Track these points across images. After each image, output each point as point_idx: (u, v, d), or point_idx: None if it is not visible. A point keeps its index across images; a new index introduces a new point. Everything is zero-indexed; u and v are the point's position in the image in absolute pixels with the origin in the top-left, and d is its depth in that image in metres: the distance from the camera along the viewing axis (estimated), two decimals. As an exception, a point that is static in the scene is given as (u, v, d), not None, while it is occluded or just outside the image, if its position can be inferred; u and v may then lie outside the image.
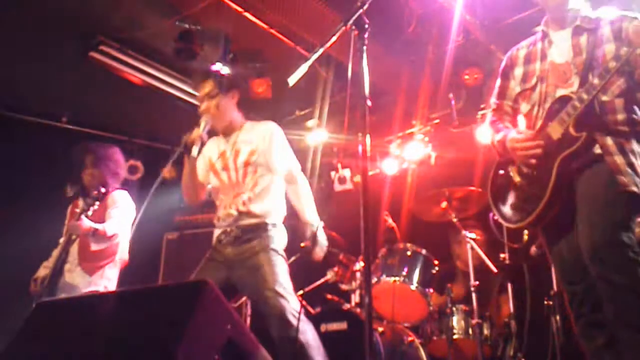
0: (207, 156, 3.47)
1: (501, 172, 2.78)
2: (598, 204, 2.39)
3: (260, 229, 3.19)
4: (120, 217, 4.00)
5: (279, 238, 3.24)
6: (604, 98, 2.46)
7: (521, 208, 2.62)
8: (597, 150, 2.44)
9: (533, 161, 2.56)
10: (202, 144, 3.29)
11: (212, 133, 3.48)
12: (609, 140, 2.42)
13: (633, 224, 2.38)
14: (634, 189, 2.35)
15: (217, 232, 3.31)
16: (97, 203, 3.83)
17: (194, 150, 3.21)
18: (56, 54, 5.04)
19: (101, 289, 3.91)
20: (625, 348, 2.29)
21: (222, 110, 3.35)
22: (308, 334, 2.98)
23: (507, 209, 2.70)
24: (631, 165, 2.38)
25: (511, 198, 2.68)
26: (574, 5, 2.64)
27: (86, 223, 3.76)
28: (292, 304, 2.96)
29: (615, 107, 2.46)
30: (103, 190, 3.84)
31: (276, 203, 3.33)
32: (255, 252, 3.13)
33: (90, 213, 3.81)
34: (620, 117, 2.44)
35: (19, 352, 2.08)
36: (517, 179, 2.66)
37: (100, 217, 3.94)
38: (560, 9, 2.64)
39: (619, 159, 2.38)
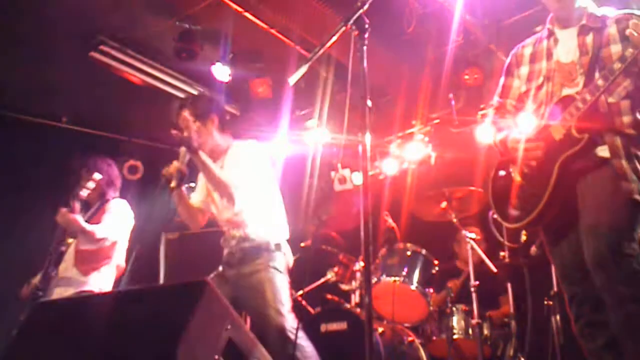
0: (204, 182, 3.44)
1: (502, 171, 2.77)
2: (603, 213, 2.36)
3: (262, 250, 3.24)
4: (114, 222, 4.04)
5: (281, 258, 3.26)
6: (610, 100, 2.43)
7: (521, 208, 2.60)
8: (600, 153, 2.42)
9: (533, 162, 2.55)
10: (182, 175, 3.19)
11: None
12: (618, 141, 2.39)
13: (636, 233, 2.36)
14: (638, 197, 2.33)
15: (225, 251, 3.37)
16: (85, 190, 3.90)
17: (173, 183, 3.14)
18: (56, 54, 5.03)
19: (96, 290, 3.93)
20: (630, 358, 2.28)
21: (202, 137, 3.26)
22: (306, 350, 3.05)
23: (507, 209, 2.69)
24: (637, 172, 2.36)
25: (512, 198, 2.67)
26: (581, 3, 2.60)
27: (75, 216, 3.81)
28: (290, 322, 3.04)
29: (621, 109, 2.43)
30: (96, 178, 3.94)
31: (274, 223, 3.34)
32: (258, 270, 3.18)
33: (77, 204, 3.87)
34: (627, 119, 2.42)
35: (18, 352, 2.08)
36: (518, 178, 2.64)
37: (97, 222, 3.99)
38: (566, 8, 2.61)
39: (625, 164, 2.36)
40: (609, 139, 2.40)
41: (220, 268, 3.35)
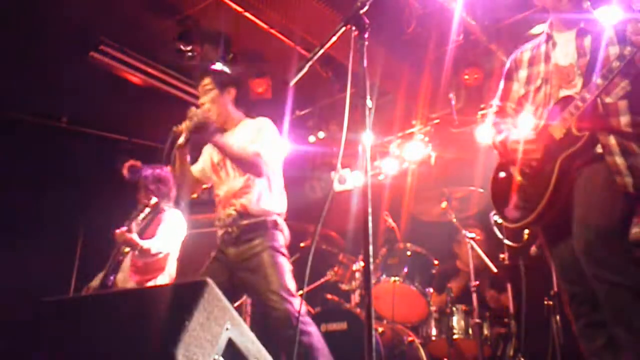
0: (209, 154, 3.48)
1: (502, 172, 2.79)
2: (594, 203, 2.39)
3: (260, 227, 3.18)
4: (167, 234, 4.12)
5: (280, 236, 3.22)
6: (608, 100, 2.46)
7: (522, 207, 2.62)
8: (599, 149, 2.44)
9: (534, 163, 2.57)
10: (191, 135, 3.26)
11: None
12: (612, 140, 2.42)
13: (628, 225, 2.38)
14: (632, 190, 2.35)
15: (219, 232, 3.32)
16: (142, 215, 3.98)
17: (181, 139, 3.22)
18: (56, 54, 5.04)
19: None
20: (622, 347, 2.29)
21: (216, 105, 3.40)
22: (313, 336, 2.99)
23: (508, 209, 2.71)
24: (632, 168, 2.38)
25: (512, 198, 2.69)
26: (580, 7, 2.64)
27: (132, 236, 3.89)
28: (296, 306, 2.97)
29: (619, 108, 2.45)
30: (152, 202, 4.01)
31: (274, 199, 3.31)
32: (257, 252, 3.13)
33: (134, 225, 3.96)
34: (624, 119, 2.44)
35: (19, 352, 2.08)
36: (518, 178, 2.67)
37: (151, 234, 4.09)
38: (568, 11, 2.64)
39: (619, 160, 2.38)
40: (603, 138, 2.43)
41: (214, 253, 3.29)
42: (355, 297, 4.72)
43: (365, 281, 1.90)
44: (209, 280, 1.90)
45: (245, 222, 3.20)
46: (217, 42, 5.12)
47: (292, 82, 2.17)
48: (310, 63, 2.16)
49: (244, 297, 5.04)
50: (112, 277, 3.95)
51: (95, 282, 4.10)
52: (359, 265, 4.72)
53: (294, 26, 4.90)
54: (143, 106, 5.88)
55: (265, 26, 4.92)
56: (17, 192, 5.23)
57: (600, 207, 2.37)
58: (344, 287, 4.81)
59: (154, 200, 4.02)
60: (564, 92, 2.56)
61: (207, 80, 3.44)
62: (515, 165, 2.69)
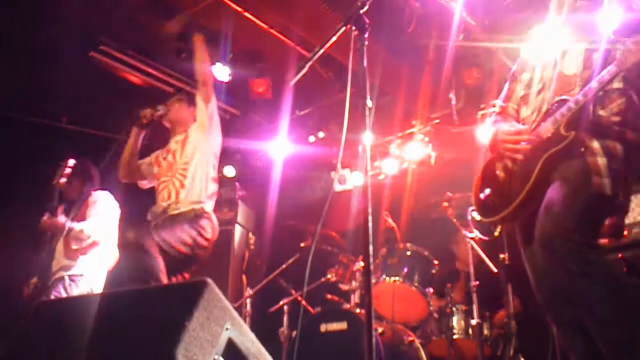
0: (156, 154, 3.89)
1: (487, 170, 2.81)
2: (562, 197, 2.37)
3: (183, 218, 3.45)
4: (99, 215, 4.14)
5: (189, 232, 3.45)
6: (601, 112, 2.47)
7: (499, 203, 2.63)
8: (582, 149, 2.45)
9: (519, 156, 2.58)
10: (152, 120, 3.83)
11: (164, 139, 3.95)
12: (595, 144, 2.43)
13: (596, 224, 2.38)
14: (607, 192, 2.35)
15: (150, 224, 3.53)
16: (63, 178, 4.10)
17: (144, 120, 3.80)
18: (56, 54, 5.04)
19: (85, 274, 4.03)
20: (593, 334, 2.27)
21: (180, 110, 3.95)
22: None
23: (485, 204, 2.72)
24: (612, 170, 2.38)
25: (492, 193, 2.70)
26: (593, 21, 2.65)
27: (59, 219, 3.94)
28: None
29: (610, 122, 2.47)
30: (70, 163, 4.18)
31: (203, 193, 3.63)
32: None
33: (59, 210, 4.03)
34: (611, 129, 2.46)
35: (18, 353, 2.08)
36: (501, 174, 2.68)
37: (82, 218, 4.09)
38: (572, 22, 2.66)
39: (601, 160, 2.39)
40: (587, 140, 2.43)
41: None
42: (355, 297, 4.72)
43: (365, 281, 1.90)
44: (209, 280, 1.90)
45: (173, 212, 3.47)
46: (217, 42, 5.12)
47: (292, 82, 2.17)
48: (310, 63, 2.16)
49: (244, 297, 5.05)
50: (49, 268, 3.98)
51: (35, 278, 4.09)
52: (359, 265, 4.72)
53: (294, 26, 4.91)
54: (143, 106, 5.88)
55: (265, 26, 4.93)
56: (16, 192, 5.23)
57: (568, 201, 2.34)
58: (344, 287, 4.81)
59: (70, 161, 4.14)
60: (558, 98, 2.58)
61: (183, 94, 4.11)
62: (500, 161, 2.70)
